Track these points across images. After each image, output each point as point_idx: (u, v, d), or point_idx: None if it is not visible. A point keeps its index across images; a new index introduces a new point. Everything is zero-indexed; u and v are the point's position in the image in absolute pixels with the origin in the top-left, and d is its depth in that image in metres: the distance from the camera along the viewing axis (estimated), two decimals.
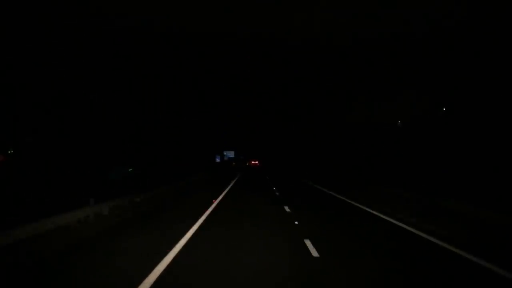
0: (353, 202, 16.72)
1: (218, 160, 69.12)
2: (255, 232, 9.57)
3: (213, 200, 16.40)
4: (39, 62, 25.43)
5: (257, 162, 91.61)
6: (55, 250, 7.34)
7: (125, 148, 34.23)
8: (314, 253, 7.34)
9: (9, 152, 29.59)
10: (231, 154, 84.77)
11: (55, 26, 24.38)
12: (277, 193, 20.20)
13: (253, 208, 14.47)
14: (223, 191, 21.30)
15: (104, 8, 27.36)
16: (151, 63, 36.85)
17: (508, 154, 18.83)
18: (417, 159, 27.90)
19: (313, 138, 65.43)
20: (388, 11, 23.54)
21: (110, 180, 24.10)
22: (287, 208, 14.26)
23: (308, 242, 8.18)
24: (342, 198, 18.63)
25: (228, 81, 56.11)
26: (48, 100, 27.28)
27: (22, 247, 7.18)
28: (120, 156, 32.25)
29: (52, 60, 25.89)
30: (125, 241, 8.26)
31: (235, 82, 57.06)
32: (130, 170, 29.22)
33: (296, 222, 11.04)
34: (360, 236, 9.46)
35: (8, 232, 7.27)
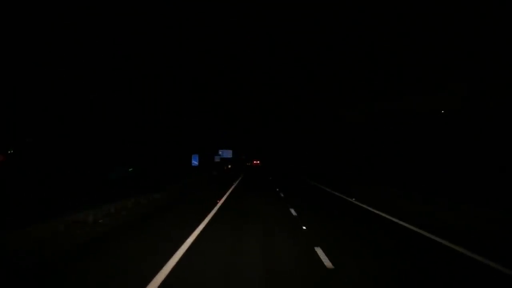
0: (356, 202, 16.73)
1: (195, 162, 37.86)
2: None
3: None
4: (39, 62, 25.43)
5: (258, 161, 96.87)
6: (69, 248, 7.53)
7: (125, 148, 34.19)
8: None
9: (9, 152, 29.56)
10: (228, 153, 61.55)
11: (55, 26, 24.39)
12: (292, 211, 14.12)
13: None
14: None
15: (104, 9, 27.37)
16: (151, 63, 36.84)
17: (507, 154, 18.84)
18: (417, 159, 27.91)
19: (313, 138, 65.44)
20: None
21: (110, 180, 24.08)
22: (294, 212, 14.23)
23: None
24: (345, 197, 18.63)
25: (229, 81, 56.15)
26: (48, 100, 27.27)
27: (28, 248, 7.19)
28: (120, 156, 32.22)
29: (52, 60, 25.90)
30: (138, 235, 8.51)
31: (235, 82, 57.07)
32: (130, 170, 29.20)
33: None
34: (361, 235, 9.48)
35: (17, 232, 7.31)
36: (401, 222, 11.15)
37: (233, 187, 25.05)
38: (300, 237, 9.00)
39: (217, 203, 15.23)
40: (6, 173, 24.60)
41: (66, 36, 25.61)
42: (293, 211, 13.27)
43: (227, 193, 20.07)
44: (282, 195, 19.73)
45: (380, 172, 31.29)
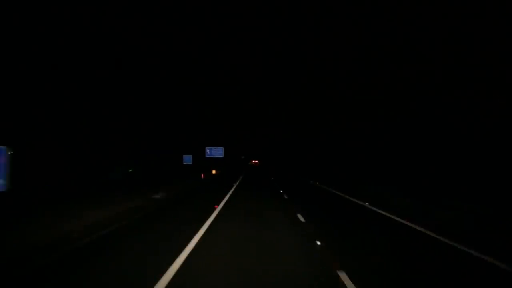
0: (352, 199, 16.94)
1: None
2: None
3: None
4: (39, 62, 25.48)
5: (257, 161, 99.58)
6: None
7: (125, 148, 34.22)
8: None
9: (9, 152, 29.53)
10: (217, 152, 43.15)
11: (55, 26, 24.47)
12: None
13: None
14: None
15: (104, 8, 27.46)
16: (150, 63, 36.92)
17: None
18: (412, 160, 27.92)
19: (312, 138, 65.54)
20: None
21: (110, 180, 24.20)
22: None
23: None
24: (349, 198, 18.79)
25: (229, 82, 56.28)
26: (48, 100, 27.33)
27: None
28: (120, 156, 32.27)
29: (52, 59, 25.97)
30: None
31: (235, 82, 57.21)
32: (130, 170, 29.31)
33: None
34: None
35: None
36: (398, 219, 11.26)
37: None
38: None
39: None
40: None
41: (66, 35, 25.69)
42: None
43: None
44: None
45: (377, 172, 31.37)
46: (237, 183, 28.36)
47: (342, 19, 32.02)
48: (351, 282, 5.40)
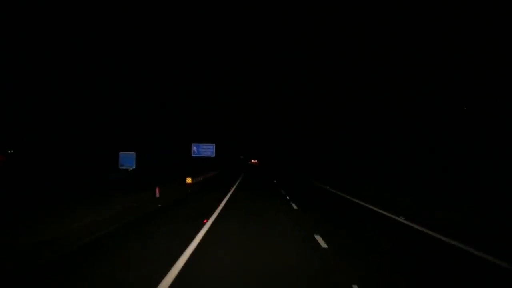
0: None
1: None
2: None
3: None
4: (39, 62, 25.50)
5: (256, 161, 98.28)
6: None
7: (125, 147, 34.20)
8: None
9: (9, 152, 29.60)
10: (207, 150, 32.27)
11: (56, 26, 24.52)
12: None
13: None
14: None
15: (103, 8, 27.52)
16: (149, 63, 36.95)
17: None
18: (412, 160, 28.03)
19: (310, 139, 65.62)
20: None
21: (111, 179, 24.20)
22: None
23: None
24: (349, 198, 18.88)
25: (229, 82, 56.31)
26: (48, 100, 27.35)
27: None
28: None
29: (53, 60, 25.99)
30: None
31: (235, 83, 57.25)
32: (130, 170, 29.23)
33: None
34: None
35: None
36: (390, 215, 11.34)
37: None
38: None
39: None
40: (6, 173, 24.66)
41: (67, 35, 25.72)
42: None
43: None
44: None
45: (377, 171, 31.45)
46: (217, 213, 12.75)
47: (341, 19, 32.09)
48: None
